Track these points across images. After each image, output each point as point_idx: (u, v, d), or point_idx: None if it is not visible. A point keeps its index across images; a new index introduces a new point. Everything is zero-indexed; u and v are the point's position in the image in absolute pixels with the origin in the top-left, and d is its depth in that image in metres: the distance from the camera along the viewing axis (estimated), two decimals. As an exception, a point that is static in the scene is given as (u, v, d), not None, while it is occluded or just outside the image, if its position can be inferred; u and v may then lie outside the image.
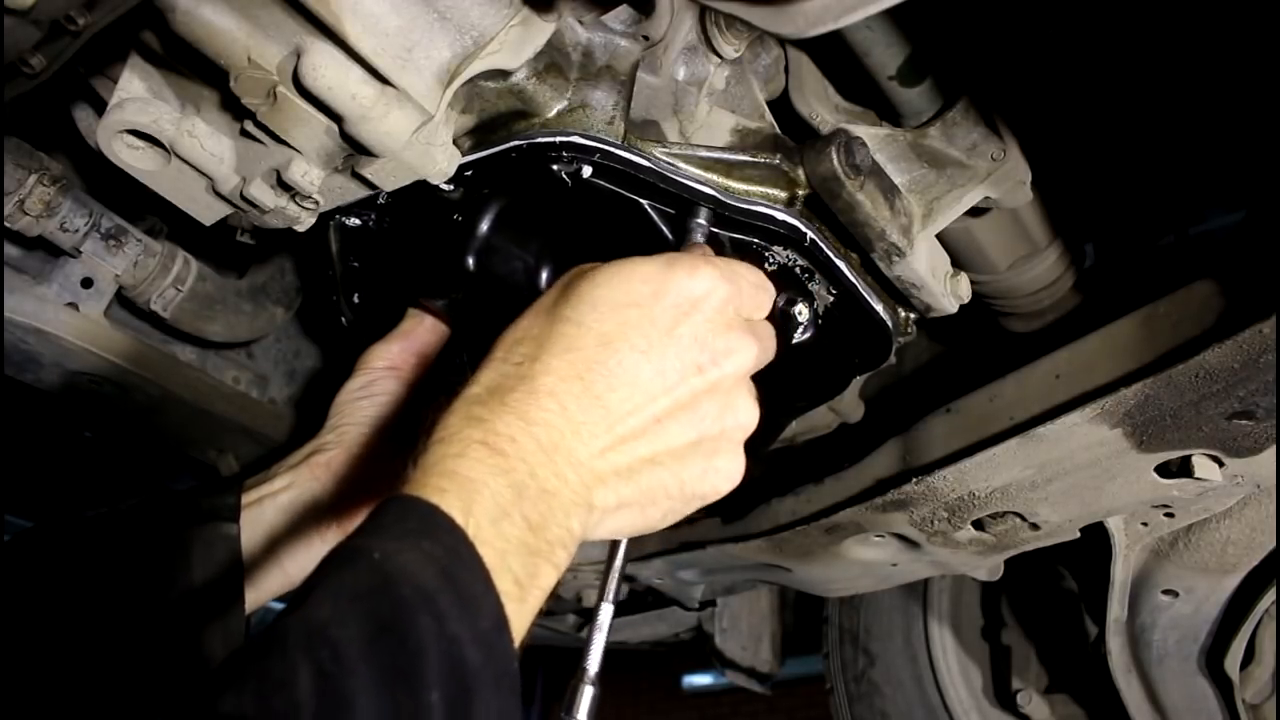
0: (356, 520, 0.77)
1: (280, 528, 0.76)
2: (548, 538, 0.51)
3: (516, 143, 0.84)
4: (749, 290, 0.67)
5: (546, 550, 0.51)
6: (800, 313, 0.91)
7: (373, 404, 0.86)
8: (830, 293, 0.94)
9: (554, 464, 0.53)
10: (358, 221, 0.95)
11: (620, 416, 0.57)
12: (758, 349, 0.64)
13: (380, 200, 0.92)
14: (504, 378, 0.56)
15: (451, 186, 0.87)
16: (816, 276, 0.93)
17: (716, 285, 0.63)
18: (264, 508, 0.76)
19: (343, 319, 1.00)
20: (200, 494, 0.74)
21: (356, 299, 1.00)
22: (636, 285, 0.60)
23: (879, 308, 0.98)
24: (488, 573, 0.47)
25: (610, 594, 0.67)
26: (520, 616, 0.48)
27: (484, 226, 0.86)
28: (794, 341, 0.92)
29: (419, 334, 0.91)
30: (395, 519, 0.47)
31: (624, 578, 0.72)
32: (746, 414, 0.64)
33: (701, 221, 0.81)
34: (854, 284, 0.95)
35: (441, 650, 0.42)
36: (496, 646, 0.45)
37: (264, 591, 0.77)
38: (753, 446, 1.10)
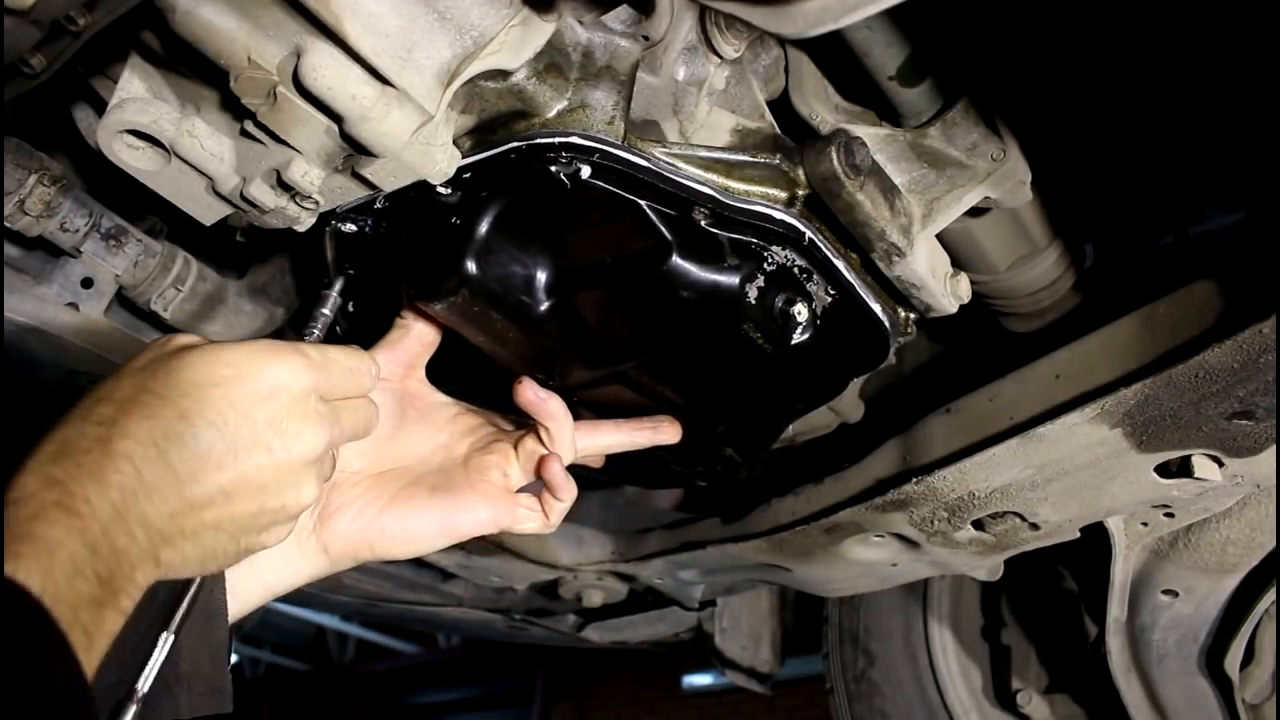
0: (331, 530, 0.81)
1: None
2: (114, 589, 0.56)
3: (515, 144, 0.84)
4: (340, 374, 0.72)
5: (113, 598, 0.56)
6: (799, 313, 0.91)
7: None
8: (829, 293, 0.94)
9: (125, 524, 0.57)
10: (354, 228, 0.94)
11: (190, 484, 0.61)
12: (330, 434, 0.69)
13: (377, 205, 0.92)
14: (80, 438, 0.59)
15: (449, 190, 0.87)
16: (815, 277, 0.93)
17: (299, 374, 0.68)
18: None
19: (337, 328, 1.00)
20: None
21: (351, 307, 0.99)
22: (221, 368, 0.65)
23: (878, 308, 0.98)
24: (63, 634, 0.52)
25: (174, 629, 0.69)
26: (89, 663, 0.54)
27: (483, 229, 0.86)
28: (793, 343, 0.92)
29: (405, 344, 0.91)
30: None
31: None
32: (308, 493, 0.69)
33: (326, 311, 0.84)
34: (852, 285, 0.95)
35: (19, 713, 0.47)
36: (72, 701, 0.51)
37: (246, 601, 0.79)
38: (751, 448, 1.11)
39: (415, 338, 0.91)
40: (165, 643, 0.68)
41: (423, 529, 0.84)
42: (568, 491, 0.87)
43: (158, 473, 0.60)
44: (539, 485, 0.90)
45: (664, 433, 0.99)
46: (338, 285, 0.88)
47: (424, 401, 0.93)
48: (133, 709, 0.64)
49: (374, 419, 0.77)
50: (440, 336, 0.93)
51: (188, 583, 0.71)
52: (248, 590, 0.78)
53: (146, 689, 0.66)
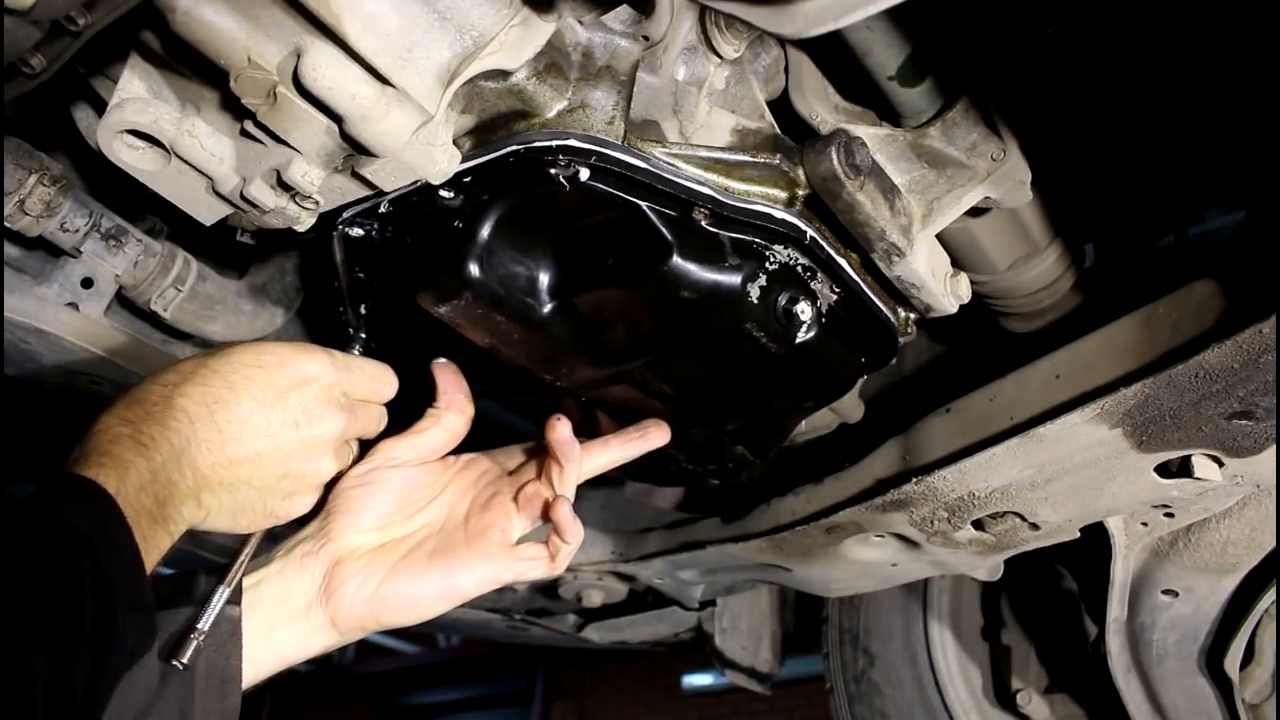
0: (336, 605, 0.86)
1: (275, 610, 0.85)
2: (166, 513, 0.70)
3: (513, 147, 0.84)
4: (362, 379, 0.85)
5: (164, 521, 0.70)
6: (803, 311, 0.91)
7: (364, 493, 0.89)
8: (834, 291, 0.94)
9: (179, 463, 0.71)
10: (360, 232, 0.95)
11: (231, 442, 0.75)
12: (347, 422, 0.82)
13: (382, 210, 0.92)
14: (149, 394, 0.73)
15: (451, 193, 0.87)
16: (819, 275, 0.93)
17: (327, 370, 0.81)
18: (261, 591, 0.85)
19: (350, 330, 1.01)
20: (210, 573, 0.83)
21: (364, 310, 1.00)
22: (266, 355, 0.78)
23: (882, 306, 0.99)
24: (129, 527, 0.65)
25: (231, 583, 0.82)
26: (147, 563, 0.67)
27: (485, 232, 0.86)
28: (797, 341, 0.92)
29: (432, 435, 0.92)
30: (68, 489, 0.65)
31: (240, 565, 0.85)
32: (326, 467, 0.83)
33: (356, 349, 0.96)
34: (857, 282, 0.95)
35: (91, 573, 0.61)
36: (134, 576, 0.65)
37: (260, 669, 0.83)
38: (762, 446, 1.11)
39: (444, 428, 0.93)
40: (222, 594, 0.81)
41: (423, 596, 0.87)
42: (575, 534, 0.88)
43: (207, 428, 0.73)
44: (542, 530, 0.91)
45: (653, 437, 1.00)
46: (361, 337, 0.98)
47: (433, 470, 0.94)
48: (195, 642, 0.77)
49: (382, 423, 0.88)
50: (467, 429, 0.94)
51: (243, 543, 0.83)
52: (262, 658, 0.83)
53: (207, 627, 0.78)
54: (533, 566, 0.90)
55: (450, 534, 0.90)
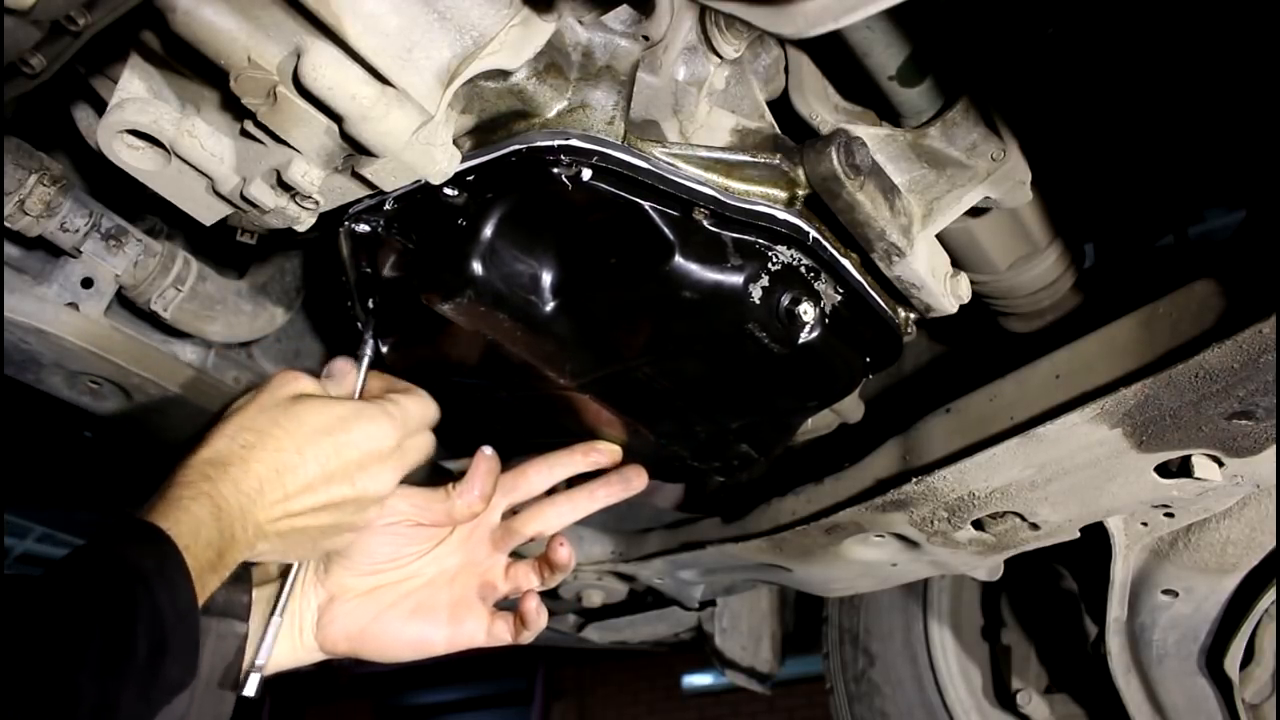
0: (325, 635, 0.97)
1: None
2: (225, 562, 0.78)
3: (515, 146, 0.84)
4: (414, 423, 0.92)
5: (222, 569, 0.78)
6: (805, 312, 0.90)
7: (362, 542, 0.97)
8: (837, 291, 0.94)
9: (243, 520, 0.80)
10: (367, 229, 0.95)
11: (293, 498, 0.83)
12: (397, 476, 0.91)
13: (387, 207, 0.93)
14: (229, 453, 0.81)
15: (455, 191, 0.87)
16: (823, 276, 0.93)
17: (387, 433, 0.88)
18: (265, 609, 0.94)
19: (358, 324, 1.01)
20: (221, 585, 0.90)
21: (371, 304, 1.01)
22: (333, 420, 0.86)
23: (885, 306, 0.99)
24: (189, 573, 0.73)
25: (282, 613, 0.93)
26: (200, 600, 0.75)
27: (488, 231, 0.86)
28: (800, 342, 0.92)
29: (434, 510, 0.99)
30: (137, 532, 0.72)
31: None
32: (373, 514, 0.91)
33: (365, 355, 0.98)
34: (860, 283, 0.95)
35: (148, 611, 0.68)
36: (186, 617, 0.72)
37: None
38: (767, 445, 1.12)
39: (445, 512, 0.99)
40: (276, 625, 0.92)
41: (399, 644, 1.00)
42: (539, 627, 1.02)
43: (274, 489, 0.82)
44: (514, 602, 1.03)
45: (634, 484, 1.10)
46: (369, 345, 1.00)
47: (431, 530, 1.01)
48: (256, 677, 0.89)
49: (429, 450, 0.96)
50: (468, 522, 1.02)
51: (285, 572, 0.94)
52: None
53: (264, 662, 0.90)
54: (501, 638, 1.03)
55: (436, 592, 1.01)
